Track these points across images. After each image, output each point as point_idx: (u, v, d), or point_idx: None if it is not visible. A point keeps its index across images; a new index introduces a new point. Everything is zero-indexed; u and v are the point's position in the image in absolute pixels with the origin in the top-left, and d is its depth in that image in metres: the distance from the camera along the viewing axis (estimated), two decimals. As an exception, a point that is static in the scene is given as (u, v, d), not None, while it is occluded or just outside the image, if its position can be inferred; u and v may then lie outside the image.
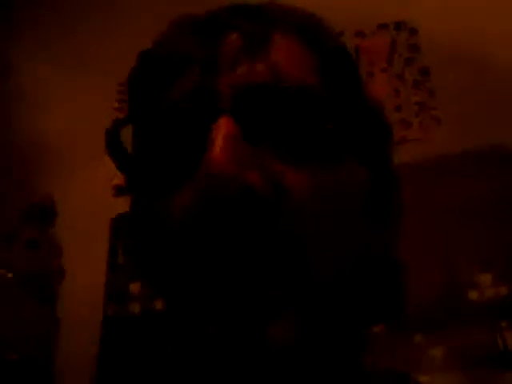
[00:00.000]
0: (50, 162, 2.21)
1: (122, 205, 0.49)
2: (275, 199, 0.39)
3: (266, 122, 0.41)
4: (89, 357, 1.87)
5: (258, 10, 0.47)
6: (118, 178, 1.70)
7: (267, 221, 0.39)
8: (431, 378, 1.46)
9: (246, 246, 0.38)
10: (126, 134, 0.45)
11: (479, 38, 1.85)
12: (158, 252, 0.43)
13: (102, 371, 1.85)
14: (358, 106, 0.46)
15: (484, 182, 1.67)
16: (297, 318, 0.40)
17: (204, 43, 0.43)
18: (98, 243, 2.02)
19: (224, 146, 0.38)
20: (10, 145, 2.30)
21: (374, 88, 1.90)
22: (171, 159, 0.42)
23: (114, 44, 2.16)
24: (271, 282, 0.39)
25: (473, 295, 1.58)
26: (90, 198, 2.04)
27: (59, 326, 1.96)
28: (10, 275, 1.89)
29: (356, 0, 2.01)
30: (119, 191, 1.89)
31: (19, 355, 1.81)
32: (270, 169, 0.40)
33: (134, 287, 1.92)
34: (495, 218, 1.61)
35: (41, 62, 2.42)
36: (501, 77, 1.80)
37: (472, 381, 1.46)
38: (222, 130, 0.39)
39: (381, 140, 0.50)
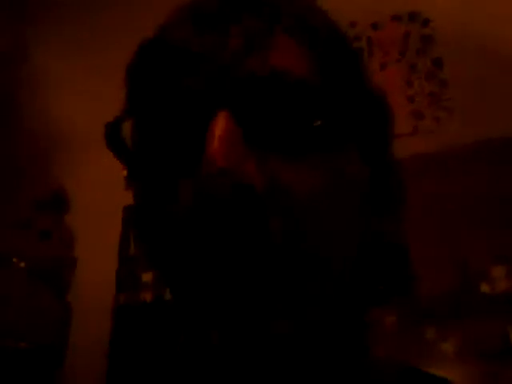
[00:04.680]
0: (62, 151, 2.21)
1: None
2: (273, 195, 0.39)
3: (264, 118, 0.41)
4: (100, 345, 1.88)
5: (258, 3, 0.46)
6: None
7: (264, 217, 0.39)
8: (443, 372, 1.46)
9: (245, 242, 0.38)
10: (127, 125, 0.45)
11: (493, 28, 1.84)
12: (161, 245, 0.43)
13: (114, 359, 1.86)
14: (357, 98, 0.46)
15: (498, 173, 1.66)
16: (301, 310, 0.41)
17: (204, 38, 0.43)
18: (110, 232, 2.03)
19: (221, 141, 0.38)
20: (23, 134, 2.31)
21: (387, 79, 1.90)
22: (171, 154, 0.42)
23: (130, 32, 2.15)
24: (272, 276, 0.39)
25: (485, 288, 1.57)
26: (102, 186, 2.04)
27: (71, 315, 1.97)
28: (22, 264, 1.90)
29: (369, -9, 2.00)
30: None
31: (31, 344, 1.82)
32: (268, 165, 0.40)
33: (146, 276, 1.93)
34: (509, 210, 1.61)
35: (55, 49, 2.42)
36: (515, 68, 1.78)
37: (484, 374, 1.46)
38: (220, 126, 0.39)
39: (381, 128, 0.50)
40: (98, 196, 2.04)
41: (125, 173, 0.49)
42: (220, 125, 0.39)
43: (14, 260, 1.90)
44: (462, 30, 1.85)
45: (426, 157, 1.70)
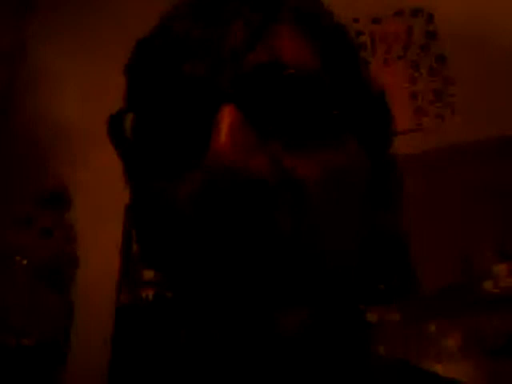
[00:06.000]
0: (64, 148, 2.21)
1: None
2: (280, 187, 0.39)
3: (269, 109, 0.41)
4: (102, 343, 1.89)
5: None
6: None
7: (273, 209, 0.38)
8: (445, 367, 1.47)
9: (252, 234, 0.38)
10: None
11: (496, 25, 1.83)
12: (163, 239, 0.43)
13: (116, 357, 1.87)
14: (357, 89, 0.46)
15: (500, 171, 1.66)
16: (307, 305, 0.40)
17: (208, 31, 0.43)
18: (112, 229, 2.03)
19: (229, 133, 0.38)
20: (24, 130, 2.31)
21: (391, 75, 1.89)
22: (175, 146, 0.42)
23: (130, 31, 2.15)
24: (279, 270, 0.39)
25: (488, 285, 1.57)
26: (104, 184, 2.04)
27: (73, 312, 1.97)
28: (24, 262, 1.90)
29: (372, -14, 2.00)
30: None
31: (34, 341, 1.83)
32: (276, 156, 0.40)
33: (148, 273, 1.93)
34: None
35: (55, 47, 2.42)
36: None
37: (485, 370, 1.46)
38: (227, 118, 0.38)
39: (380, 121, 0.50)
40: (100, 194, 2.04)
41: (123, 168, 0.49)
42: (226, 117, 0.38)
43: (17, 258, 1.90)
44: (465, 26, 1.85)
45: (429, 153, 1.70)
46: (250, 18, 0.43)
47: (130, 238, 2.03)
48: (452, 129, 1.78)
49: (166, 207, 0.42)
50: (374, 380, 0.47)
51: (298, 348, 0.41)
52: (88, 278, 1.98)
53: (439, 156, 1.72)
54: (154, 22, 0.49)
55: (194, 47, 0.43)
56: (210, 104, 0.40)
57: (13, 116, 2.36)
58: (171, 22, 0.46)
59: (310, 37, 0.45)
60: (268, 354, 0.40)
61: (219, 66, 0.41)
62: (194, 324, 0.45)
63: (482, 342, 1.50)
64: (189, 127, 0.41)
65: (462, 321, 1.54)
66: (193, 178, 0.40)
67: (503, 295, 1.55)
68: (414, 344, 1.53)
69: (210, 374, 0.45)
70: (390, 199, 0.50)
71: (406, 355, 1.47)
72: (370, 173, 0.47)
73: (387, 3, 1.99)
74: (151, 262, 0.47)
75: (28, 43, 2.50)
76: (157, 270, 0.47)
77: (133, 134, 0.44)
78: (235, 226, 0.38)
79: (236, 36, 0.42)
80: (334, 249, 0.41)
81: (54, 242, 1.99)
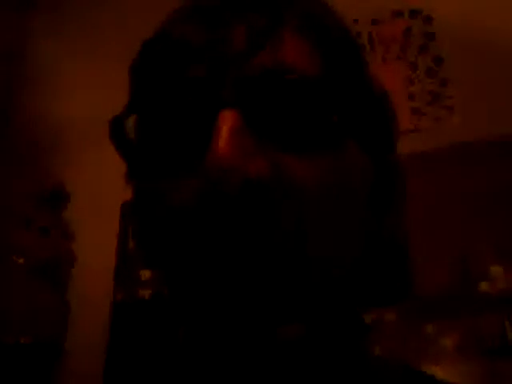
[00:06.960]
0: (62, 147, 2.21)
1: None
2: (280, 190, 0.39)
3: (269, 114, 0.41)
4: (99, 341, 1.89)
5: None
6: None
7: (273, 212, 0.39)
8: (442, 368, 1.47)
9: (252, 238, 0.38)
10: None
11: (494, 26, 1.83)
12: (162, 241, 0.43)
13: (112, 356, 1.87)
14: (360, 94, 0.46)
15: (498, 172, 1.66)
16: (307, 307, 0.41)
17: (210, 35, 0.43)
18: (108, 228, 2.03)
19: (228, 137, 0.38)
20: (22, 131, 2.31)
21: (388, 76, 1.89)
22: (176, 149, 0.42)
23: (130, 30, 2.15)
24: (276, 273, 0.39)
25: (485, 286, 1.57)
26: (101, 183, 2.05)
27: (69, 310, 1.97)
28: (21, 261, 1.90)
29: (371, -13, 2.00)
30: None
31: (32, 339, 1.83)
32: (274, 160, 0.40)
33: (145, 272, 1.93)
34: (510, 208, 1.61)
35: (56, 46, 2.42)
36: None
37: (482, 371, 1.46)
38: (227, 122, 0.39)
39: (383, 126, 0.50)
40: (97, 193, 2.04)
41: (125, 169, 0.49)
42: (226, 121, 0.39)
43: (13, 257, 1.90)
44: (463, 28, 1.85)
45: (426, 154, 1.70)
46: (253, 23, 0.43)
47: (126, 237, 2.03)
48: (450, 130, 1.79)
49: (167, 208, 0.42)
50: (372, 382, 0.48)
51: (297, 349, 0.41)
52: (85, 276, 1.98)
53: (437, 157, 1.72)
54: (154, 20, 0.49)
55: (197, 51, 0.42)
56: (210, 108, 0.40)
57: (13, 116, 2.36)
58: (174, 25, 0.46)
59: (313, 42, 0.44)
60: (266, 355, 0.40)
61: (221, 70, 0.41)
62: (192, 323, 0.45)
63: (480, 342, 1.50)
64: (190, 130, 0.41)
65: (459, 321, 1.54)
66: (193, 180, 0.40)
67: (501, 296, 1.55)
68: (412, 344, 1.53)
69: (207, 373, 0.45)
70: (393, 203, 0.50)
71: (404, 355, 1.47)
72: (373, 176, 0.47)
73: (386, 4, 1.99)
74: (151, 261, 0.47)
75: (28, 42, 2.50)
76: (156, 268, 0.47)
77: (135, 135, 0.44)
78: (235, 227, 0.38)
79: (239, 40, 0.42)
80: (335, 251, 0.42)
81: (50, 241, 1.99)
